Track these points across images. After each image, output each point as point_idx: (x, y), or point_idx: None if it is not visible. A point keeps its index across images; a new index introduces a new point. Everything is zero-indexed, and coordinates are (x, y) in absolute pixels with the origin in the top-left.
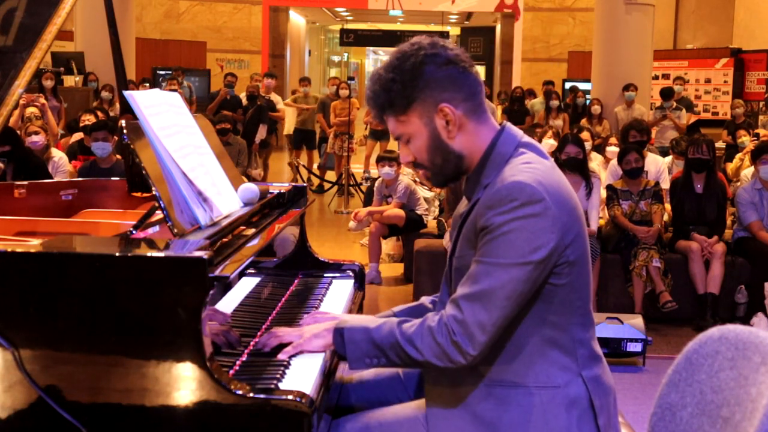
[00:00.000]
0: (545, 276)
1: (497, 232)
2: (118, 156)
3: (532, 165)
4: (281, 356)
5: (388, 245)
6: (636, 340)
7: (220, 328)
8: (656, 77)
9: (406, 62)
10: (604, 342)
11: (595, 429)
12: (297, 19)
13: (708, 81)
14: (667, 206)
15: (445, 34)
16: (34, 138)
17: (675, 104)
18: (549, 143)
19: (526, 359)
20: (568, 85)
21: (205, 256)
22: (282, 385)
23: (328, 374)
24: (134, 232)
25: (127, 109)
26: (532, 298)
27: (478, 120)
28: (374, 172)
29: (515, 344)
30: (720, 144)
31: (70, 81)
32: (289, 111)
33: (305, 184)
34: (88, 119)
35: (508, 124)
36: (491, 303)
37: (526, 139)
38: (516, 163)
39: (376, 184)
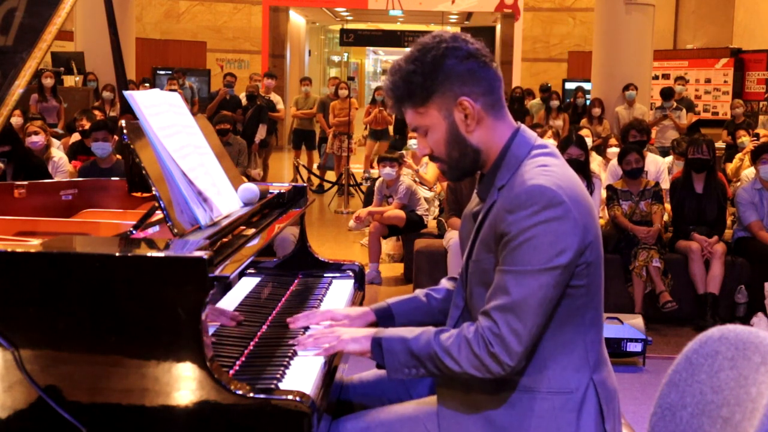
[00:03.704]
0: (569, 279)
1: (520, 239)
2: (118, 156)
3: (549, 168)
4: (319, 352)
5: (388, 245)
6: (636, 340)
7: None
8: (656, 77)
9: (428, 54)
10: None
11: None
12: (297, 19)
13: (708, 81)
14: (667, 206)
15: None
16: (34, 138)
17: (675, 104)
18: (549, 143)
19: (541, 364)
20: (568, 85)
21: (205, 256)
22: (282, 385)
23: (328, 374)
24: (134, 232)
25: (127, 109)
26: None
27: (497, 115)
28: (374, 172)
29: (533, 349)
30: (720, 144)
31: (70, 81)
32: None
33: (305, 184)
34: (82, 124)
35: (523, 127)
36: (524, 312)
37: (540, 141)
38: (532, 166)
39: (377, 184)
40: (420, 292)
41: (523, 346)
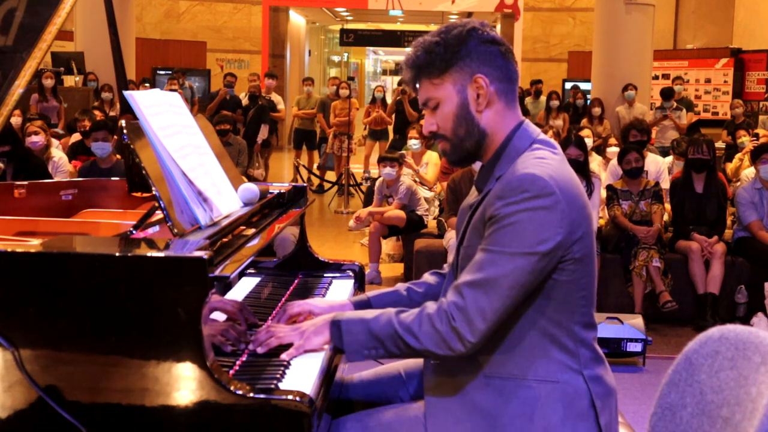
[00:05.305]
0: (549, 270)
1: (505, 222)
2: (118, 156)
3: (546, 160)
4: (284, 357)
5: (388, 245)
6: (636, 340)
7: (220, 327)
8: (656, 77)
9: (453, 30)
10: (604, 342)
11: (597, 429)
12: (297, 19)
13: (708, 81)
14: (667, 206)
15: None
16: (34, 138)
17: (675, 104)
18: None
19: (527, 353)
20: (568, 85)
21: (205, 256)
22: (282, 385)
23: (328, 374)
24: (134, 232)
25: (127, 109)
26: (533, 292)
27: (507, 104)
28: (374, 171)
29: (515, 337)
30: (720, 144)
31: (70, 81)
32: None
33: (305, 184)
34: (84, 124)
35: (527, 121)
36: (494, 291)
37: (542, 137)
38: (529, 157)
39: (377, 184)
40: (401, 287)
41: (487, 325)
